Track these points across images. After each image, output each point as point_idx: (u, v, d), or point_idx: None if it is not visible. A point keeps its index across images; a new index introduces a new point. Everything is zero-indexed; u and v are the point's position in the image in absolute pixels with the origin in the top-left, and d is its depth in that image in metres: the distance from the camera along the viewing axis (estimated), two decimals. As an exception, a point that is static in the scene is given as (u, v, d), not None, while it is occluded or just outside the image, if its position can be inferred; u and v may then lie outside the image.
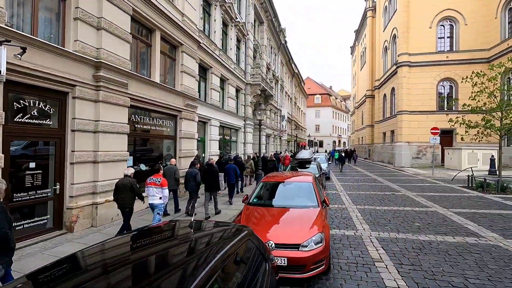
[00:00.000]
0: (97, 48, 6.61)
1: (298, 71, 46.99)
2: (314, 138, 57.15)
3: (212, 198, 7.79)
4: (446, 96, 23.14)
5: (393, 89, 26.42)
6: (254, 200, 5.21)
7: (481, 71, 13.02)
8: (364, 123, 40.67)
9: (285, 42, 34.30)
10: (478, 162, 18.17)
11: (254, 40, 20.05)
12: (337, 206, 8.80)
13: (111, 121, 6.94)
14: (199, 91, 12.66)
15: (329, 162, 17.12)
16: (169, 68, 10.20)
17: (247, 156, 18.21)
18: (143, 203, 6.13)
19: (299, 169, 10.85)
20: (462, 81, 22.55)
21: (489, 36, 21.58)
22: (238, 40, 17.53)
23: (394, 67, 24.84)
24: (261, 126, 22.39)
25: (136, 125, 8.31)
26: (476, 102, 12.48)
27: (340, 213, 7.85)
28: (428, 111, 23.01)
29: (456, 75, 22.48)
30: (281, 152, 30.26)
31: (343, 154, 25.07)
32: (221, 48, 14.39)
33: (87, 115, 6.42)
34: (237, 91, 17.80)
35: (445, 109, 23.07)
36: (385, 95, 29.67)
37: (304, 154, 11.49)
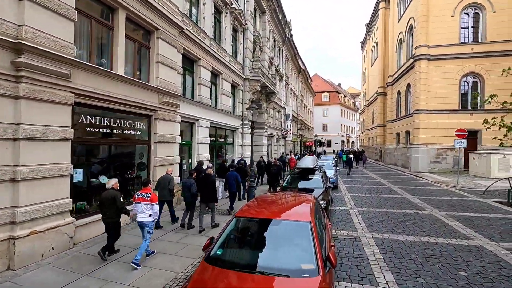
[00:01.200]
0: (18, 25, 4.83)
1: (305, 67, 44.73)
2: (322, 138, 54.78)
3: (210, 210, 7.33)
4: (471, 92, 20.63)
5: (408, 85, 24.02)
6: (218, 253, 3.32)
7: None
8: (375, 122, 38.19)
9: (291, 35, 32.16)
10: (511, 169, 15.79)
11: (254, 31, 18.10)
12: (347, 233, 6.84)
13: (43, 125, 5.17)
14: (183, 87, 10.86)
15: (337, 167, 15.06)
16: (140, 58, 8.40)
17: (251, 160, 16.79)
18: (130, 218, 5.65)
19: (300, 184, 8.91)
20: (489, 76, 20.25)
21: (522, 25, 18.99)
22: (235, 30, 15.61)
23: (411, 60, 22.45)
24: (262, 127, 20.62)
25: (89, 129, 6.52)
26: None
27: (351, 247, 5.90)
28: (449, 110, 20.59)
29: (482, 69, 19.99)
30: (287, 154, 28.40)
31: (351, 156, 23.43)
32: (213, 37, 12.51)
33: (2, 116, 4.67)
34: (234, 87, 15.92)
35: (469, 107, 20.60)
36: (399, 92, 27.25)
37: (306, 162, 9.51)
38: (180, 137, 9.98)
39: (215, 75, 13.38)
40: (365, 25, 46.75)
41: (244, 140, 16.56)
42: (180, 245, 5.99)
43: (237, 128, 16.03)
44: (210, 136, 12.88)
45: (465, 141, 14.42)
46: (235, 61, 15.29)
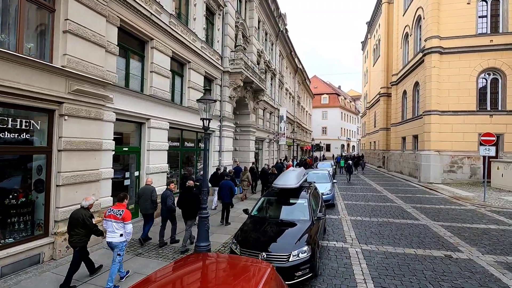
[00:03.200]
0: None
1: (303, 67, 42.10)
2: (320, 142, 51.96)
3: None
4: (489, 92, 17.86)
5: (416, 83, 21.27)
6: None
7: None
8: (378, 125, 35.40)
9: (286, 30, 29.56)
10: (546, 183, 12.96)
11: (237, 18, 15.41)
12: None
13: None
14: (126, 75, 8.12)
15: (334, 180, 12.25)
16: (34, 25, 5.65)
17: (244, 167, 14.35)
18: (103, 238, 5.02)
19: (275, 212, 6.11)
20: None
21: (551, 12, 16.29)
22: (211, 12, 12.91)
23: (420, 55, 19.72)
24: (248, 129, 17.84)
25: None
26: None
27: None
28: (465, 111, 17.79)
29: (503, 64, 17.24)
30: (284, 160, 25.71)
31: (350, 162, 21.10)
32: (175, 14, 9.79)
33: None
34: (209, 81, 13.18)
35: (488, 108, 17.80)
36: (405, 91, 24.49)
37: (287, 178, 6.64)
38: (113, 141, 7.19)
39: (179, 63, 10.65)
40: (366, 23, 44.24)
41: (223, 145, 13.77)
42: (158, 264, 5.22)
43: (213, 131, 13.25)
44: (172, 140, 10.10)
45: (493, 148, 11.60)
46: (210, 49, 12.56)
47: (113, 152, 7.23)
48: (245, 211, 6.32)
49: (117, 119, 7.27)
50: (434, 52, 18.06)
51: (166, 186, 8.17)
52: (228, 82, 13.96)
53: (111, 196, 7.11)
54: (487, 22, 17.95)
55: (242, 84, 14.29)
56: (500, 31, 17.58)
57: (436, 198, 12.84)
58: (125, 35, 7.94)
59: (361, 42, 51.47)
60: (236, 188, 10.12)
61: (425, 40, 18.75)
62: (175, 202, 6.70)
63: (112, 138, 7.17)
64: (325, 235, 7.38)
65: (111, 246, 4.66)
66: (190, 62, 10.92)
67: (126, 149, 8.21)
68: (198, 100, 5.88)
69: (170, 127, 9.66)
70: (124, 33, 7.85)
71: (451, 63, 18.05)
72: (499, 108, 17.48)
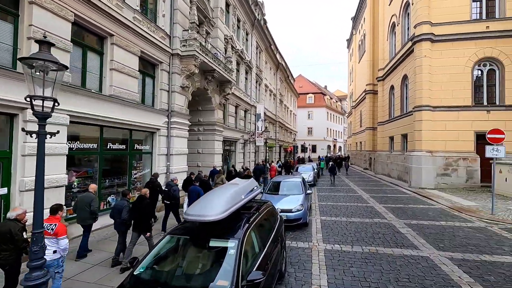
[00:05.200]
0: None
1: (285, 64, 39.77)
2: (304, 143, 49.85)
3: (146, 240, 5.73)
4: (485, 84, 15.90)
5: (405, 77, 19.19)
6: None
7: None
8: (364, 125, 33.46)
9: (264, 21, 27.06)
10: (561, 189, 10.90)
11: (195, -8, 12.66)
12: None
13: None
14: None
15: (308, 191, 9.69)
16: None
17: (219, 169, 13.57)
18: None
19: (186, 261, 3.48)
20: (511, 62, 15.35)
21: (553, -6, 14.48)
22: (153, -23, 10.14)
23: (409, 44, 17.61)
24: (212, 128, 15.09)
25: None
26: None
27: None
28: (459, 106, 15.74)
29: (501, 53, 15.30)
30: (266, 162, 23.19)
31: (332, 163, 20.44)
32: (82, -36, 6.96)
33: None
34: (151, 65, 10.40)
35: (485, 103, 15.82)
36: (392, 87, 22.44)
37: (206, 203, 3.94)
38: None
39: (94, 34, 7.81)
40: (351, 19, 42.50)
41: (173, 147, 10.96)
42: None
43: (158, 129, 10.44)
44: (78, 140, 7.25)
45: (502, 148, 9.36)
46: (149, 23, 9.77)
47: None
48: (131, 262, 3.59)
49: None
50: (425, 39, 15.94)
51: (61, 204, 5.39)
52: (179, 68, 11.19)
53: None
54: (481, 7, 16.03)
55: (197, 71, 11.53)
56: (497, 16, 15.67)
57: (433, 210, 10.50)
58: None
59: (347, 40, 49.83)
60: None
61: (415, 27, 16.63)
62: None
63: None
64: (282, 280, 4.79)
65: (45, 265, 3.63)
66: (113, 35, 8.10)
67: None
68: (21, 60, 3.10)
69: (74, 122, 6.83)
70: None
71: (443, 52, 15.99)
72: (497, 103, 15.53)
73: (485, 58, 15.65)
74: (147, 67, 10.24)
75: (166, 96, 10.84)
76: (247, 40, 21.97)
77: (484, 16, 15.88)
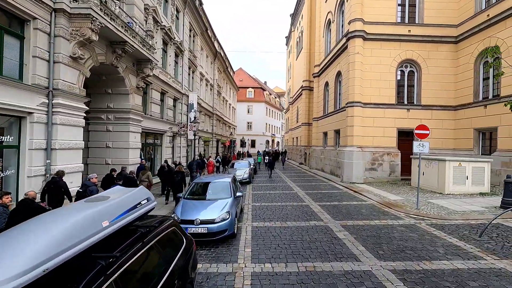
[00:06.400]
0: None
1: (225, 54, 37.76)
2: (243, 137, 49.04)
3: None
4: (406, 85, 17.10)
5: (339, 73, 19.50)
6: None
7: None
8: (300, 120, 34.13)
9: (200, 1, 24.48)
10: (466, 181, 12.01)
11: None
12: None
13: None
14: None
15: (239, 193, 8.17)
16: None
17: (145, 165, 12.11)
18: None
19: None
20: (427, 65, 16.83)
21: (461, 7, 16.23)
22: None
23: (343, 40, 17.76)
24: (126, 116, 12.08)
25: None
26: None
27: None
28: (385, 104, 16.55)
29: (419, 57, 16.59)
30: (203, 156, 21.02)
31: (269, 158, 22.03)
32: None
33: None
34: (19, 20, 7.20)
35: (406, 102, 17.02)
36: (327, 83, 22.84)
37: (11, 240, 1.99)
38: None
39: None
40: (290, 15, 42.99)
41: (55, 139, 7.96)
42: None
43: (30, 113, 7.34)
44: None
45: (427, 144, 9.56)
46: (10, -45, 6.59)
47: None
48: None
49: None
50: (358, 36, 16.16)
51: None
52: (67, 31, 8.17)
53: None
54: (404, 11, 17.09)
55: (96, 39, 8.65)
56: (416, 22, 16.91)
57: (365, 207, 10.25)
58: None
59: (285, 37, 50.55)
60: None
61: (349, 23, 16.75)
62: None
63: None
64: None
65: None
66: None
67: None
68: None
69: None
70: None
71: (373, 51, 16.51)
72: (415, 102, 16.86)
73: (407, 60, 16.77)
74: (11, 21, 7.02)
75: (45, 67, 7.74)
76: (177, 18, 19.20)
77: (406, 20, 16.96)
